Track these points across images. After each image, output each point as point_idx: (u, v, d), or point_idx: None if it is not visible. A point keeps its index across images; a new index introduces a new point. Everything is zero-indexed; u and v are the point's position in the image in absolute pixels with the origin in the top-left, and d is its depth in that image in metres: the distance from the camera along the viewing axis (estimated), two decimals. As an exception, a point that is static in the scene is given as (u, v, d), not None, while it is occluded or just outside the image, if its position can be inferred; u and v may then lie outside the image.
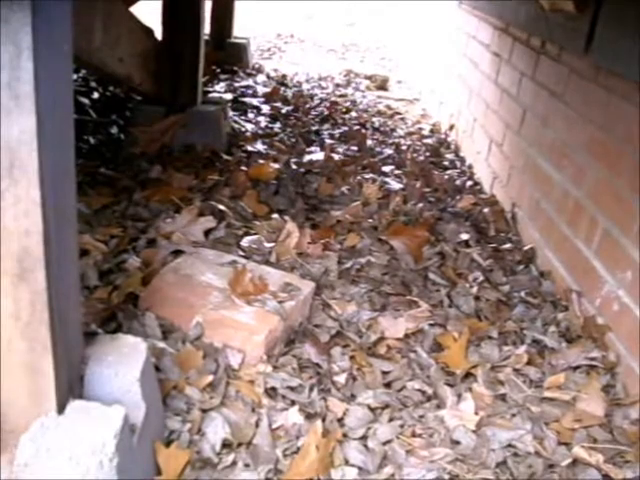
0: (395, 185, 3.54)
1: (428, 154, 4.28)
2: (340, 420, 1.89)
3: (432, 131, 4.85)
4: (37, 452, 1.29)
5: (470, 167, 4.06)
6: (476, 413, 1.95)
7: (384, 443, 1.83)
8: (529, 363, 2.16)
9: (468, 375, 2.13)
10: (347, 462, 1.76)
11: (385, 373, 2.11)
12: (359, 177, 3.58)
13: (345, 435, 1.84)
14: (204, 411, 1.82)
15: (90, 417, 1.36)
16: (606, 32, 2.39)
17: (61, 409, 1.36)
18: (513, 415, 1.96)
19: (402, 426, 1.90)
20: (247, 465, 1.70)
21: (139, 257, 2.43)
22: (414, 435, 1.88)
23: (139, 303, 2.17)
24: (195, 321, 2.08)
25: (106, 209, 2.83)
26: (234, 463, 1.70)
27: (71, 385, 1.42)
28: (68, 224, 1.33)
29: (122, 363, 1.53)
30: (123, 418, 1.36)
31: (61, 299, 1.30)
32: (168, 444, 1.67)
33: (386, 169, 3.80)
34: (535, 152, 3.10)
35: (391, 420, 1.92)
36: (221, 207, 2.88)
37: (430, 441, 1.86)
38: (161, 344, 1.96)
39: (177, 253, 2.45)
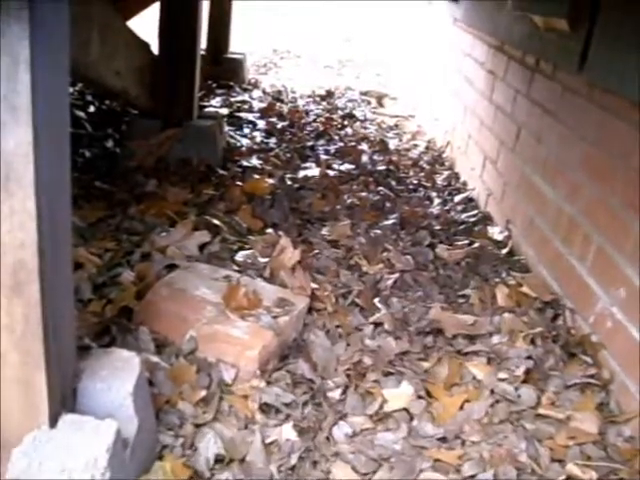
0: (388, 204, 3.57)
1: (423, 171, 4.29)
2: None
3: (427, 147, 4.86)
4: (29, 466, 1.28)
5: (464, 184, 4.07)
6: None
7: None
8: (524, 381, 2.15)
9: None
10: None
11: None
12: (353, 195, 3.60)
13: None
14: (197, 426, 1.81)
15: (83, 431, 1.36)
16: (600, 50, 2.40)
17: (54, 423, 1.36)
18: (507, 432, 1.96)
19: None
20: (240, 481, 1.70)
21: (133, 271, 2.43)
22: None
23: (133, 317, 2.17)
24: (189, 335, 2.07)
25: (101, 222, 2.82)
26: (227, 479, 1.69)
27: (64, 399, 1.42)
28: (63, 237, 1.33)
29: (115, 377, 1.52)
30: (116, 432, 1.36)
31: (55, 312, 1.30)
32: (161, 459, 1.66)
33: (380, 187, 3.81)
34: (529, 169, 3.11)
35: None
36: (216, 221, 2.88)
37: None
38: (155, 358, 1.96)
39: (171, 267, 2.44)
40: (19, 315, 1.24)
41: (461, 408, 2.04)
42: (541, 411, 2.04)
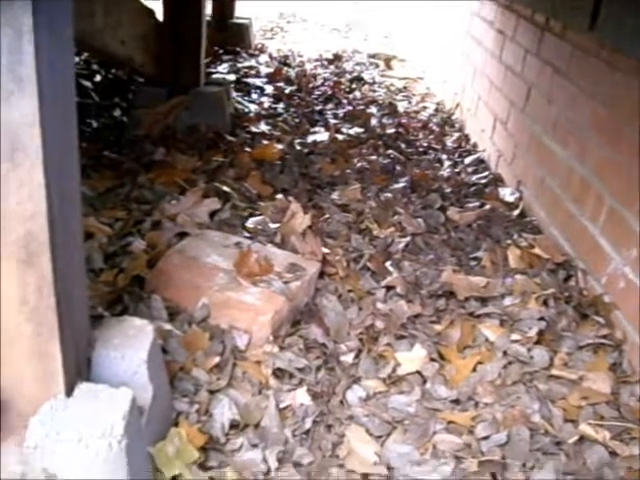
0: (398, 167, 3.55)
1: (432, 133, 4.27)
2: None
3: (436, 110, 4.83)
4: (47, 435, 1.29)
5: (475, 145, 4.04)
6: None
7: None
8: (537, 342, 2.16)
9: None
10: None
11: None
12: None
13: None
14: (211, 392, 1.82)
15: (98, 399, 1.37)
16: (611, 9, 2.36)
17: (69, 392, 1.37)
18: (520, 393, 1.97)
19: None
20: (255, 445, 1.71)
21: (144, 239, 2.43)
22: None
23: (145, 285, 2.18)
24: (201, 303, 2.08)
25: (110, 192, 2.83)
26: (242, 444, 1.71)
27: (79, 368, 1.43)
28: (72, 207, 1.33)
29: (129, 345, 1.53)
30: (131, 400, 1.37)
31: (67, 283, 1.30)
32: (176, 425, 1.68)
33: (390, 150, 3.79)
34: (540, 129, 3.09)
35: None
36: (225, 188, 2.88)
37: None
38: (167, 326, 1.96)
39: (182, 235, 2.45)
40: (32, 286, 1.25)
41: (474, 370, 2.05)
42: (554, 372, 2.05)
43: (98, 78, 4.41)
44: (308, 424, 1.80)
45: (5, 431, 1.37)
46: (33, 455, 1.29)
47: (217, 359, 1.93)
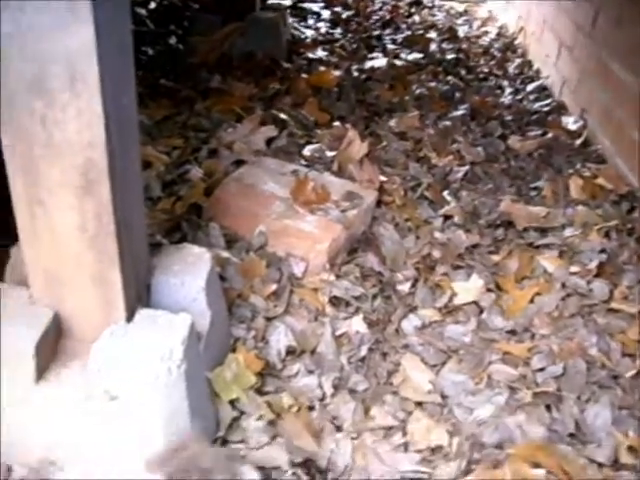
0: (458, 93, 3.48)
1: (494, 59, 4.15)
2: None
3: (499, 34, 4.68)
4: (108, 359, 1.33)
5: (538, 71, 3.92)
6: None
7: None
8: (597, 274, 2.12)
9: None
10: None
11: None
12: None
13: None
14: (268, 319, 1.85)
15: (158, 325, 1.39)
16: None
17: (130, 318, 1.40)
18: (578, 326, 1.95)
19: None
20: (311, 372, 1.73)
21: (201, 167, 2.44)
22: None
23: (203, 213, 2.19)
24: (258, 230, 2.09)
25: (167, 120, 2.83)
26: (298, 370, 1.74)
27: (139, 294, 1.45)
28: (130, 135, 1.33)
29: (187, 272, 1.55)
30: (190, 325, 1.39)
31: (126, 211, 1.32)
32: (234, 351, 1.71)
33: (450, 77, 3.70)
34: (607, 54, 2.97)
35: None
36: (282, 115, 2.86)
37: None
38: (225, 253, 1.98)
39: (239, 163, 2.45)
40: (91, 214, 1.26)
41: (531, 301, 2.03)
42: (613, 305, 2.02)
43: (153, 5, 4.35)
44: (364, 351, 1.82)
45: (69, 355, 1.42)
46: (96, 378, 1.33)
47: (274, 286, 1.94)
